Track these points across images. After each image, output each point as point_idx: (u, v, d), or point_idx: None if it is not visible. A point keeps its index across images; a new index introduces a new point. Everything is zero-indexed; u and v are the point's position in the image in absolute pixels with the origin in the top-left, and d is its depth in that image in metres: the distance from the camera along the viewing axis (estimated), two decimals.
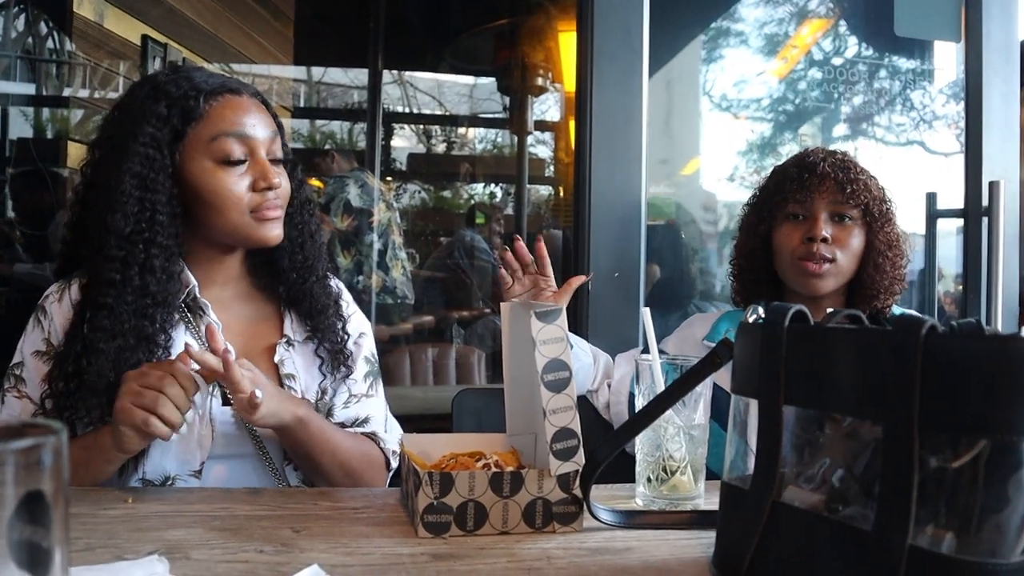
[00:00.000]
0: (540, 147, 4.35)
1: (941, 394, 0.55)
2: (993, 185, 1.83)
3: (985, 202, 1.85)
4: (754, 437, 0.68)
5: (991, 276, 1.82)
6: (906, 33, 2.11)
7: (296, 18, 4.13)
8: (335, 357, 1.15)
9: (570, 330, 1.00)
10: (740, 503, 0.68)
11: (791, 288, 1.37)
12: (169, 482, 1.02)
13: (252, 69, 4.00)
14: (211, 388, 1.04)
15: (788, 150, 2.42)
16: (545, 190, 4.35)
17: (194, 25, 3.52)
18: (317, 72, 4.59)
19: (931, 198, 2.02)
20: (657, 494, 0.94)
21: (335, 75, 4.56)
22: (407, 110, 4.59)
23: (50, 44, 3.27)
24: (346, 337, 1.18)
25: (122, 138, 1.03)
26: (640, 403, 0.99)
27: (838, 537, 0.60)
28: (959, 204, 1.96)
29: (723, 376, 0.79)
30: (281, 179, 1.08)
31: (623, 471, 1.00)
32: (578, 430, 0.82)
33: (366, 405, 1.18)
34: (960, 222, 1.98)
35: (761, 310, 0.70)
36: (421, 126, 4.76)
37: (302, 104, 4.67)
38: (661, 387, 0.95)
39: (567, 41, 3.28)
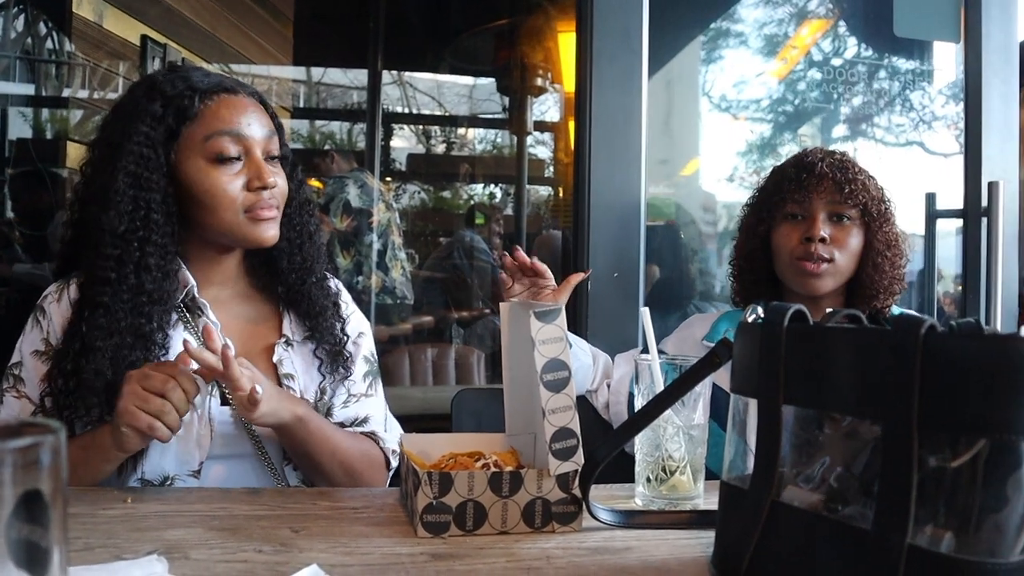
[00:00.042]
0: (539, 147, 4.35)
1: (940, 394, 0.55)
2: (992, 185, 1.83)
3: (984, 203, 1.85)
4: (753, 437, 0.68)
5: (990, 277, 1.82)
6: (905, 34, 2.11)
7: (295, 18, 4.13)
8: (334, 359, 1.15)
9: (569, 330, 1.00)
10: (739, 503, 0.68)
11: (790, 288, 1.37)
12: (168, 482, 1.02)
13: (251, 69, 4.00)
14: (210, 388, 1.04)
15: (788, 151, 2.41)
16: (544, 190, 4.35)
17: (193, 25, 3.52)
18: (317, 72, 4.59)
19: (930, 199, 2.02)
20: (656, 494, 0.94)
21: (335, 75, 4.56)
22: (407, 110, 4.60)
23: (49, 44, 3.27)
24: (345, 339, 1.18)
25: (117, 137, 1.03)
26: (639, 403, 0.99)
27: (837, 537, 0.60)
28: (958, 205, 1.96)
29: (722, 376, 0.79)
30: (278, 179, 1.08)
31: (622, 471, 1.00)
32: (577, 430, 0.82)
33: (365, 405, 1.18)
34: (959, 222, 1.98)
35: (760, 310, 0.70)
36: (421, 126, 4.76)
37: (301, 104, 4.67)
38: (660, 387, 0.95)
39: (566, 41, 3.28)
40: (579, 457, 0.82)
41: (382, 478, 1.16)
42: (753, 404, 0.68)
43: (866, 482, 0.60)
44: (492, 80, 4.18)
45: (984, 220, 1.85)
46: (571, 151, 2.09)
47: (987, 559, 0.53)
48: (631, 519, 0.85)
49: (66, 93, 3.22)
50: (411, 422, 1.29)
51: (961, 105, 2.01)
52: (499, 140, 4.73)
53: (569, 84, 3.11)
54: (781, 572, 0.64)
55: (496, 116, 4.50)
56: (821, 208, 1.32)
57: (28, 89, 3.22)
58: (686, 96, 2.61)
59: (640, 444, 0.96)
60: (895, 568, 0.55)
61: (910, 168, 2.44)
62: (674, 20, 2.31)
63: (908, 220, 2.01)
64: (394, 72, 4.33)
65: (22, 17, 3.23)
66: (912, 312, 0.95)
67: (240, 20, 3.85)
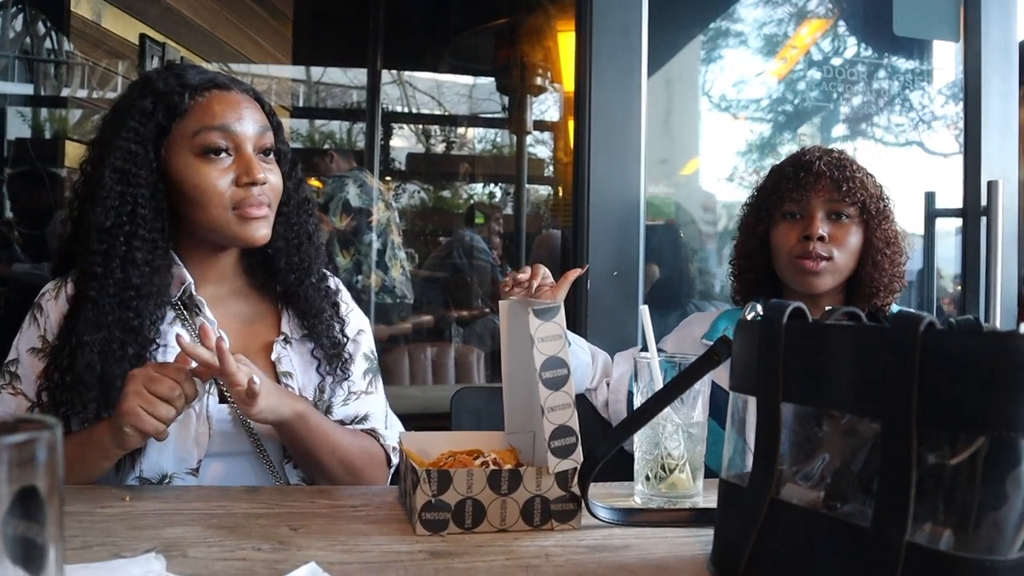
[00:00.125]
0: (539, 147, 4.35)
1: (939, 391, 0.55)
2: (992, 185, 1.83)
3: (984, 202, 1.85)
4: (752, 434, 0.68)
5: (990, 276, 1.82)
6: (905, 33, 2.11)
7: (295, 17, 4.13)
8: (332, 360, 1.14)
9: (569, 329, 1.00)
10: (738, 500, 0.68)
11: (790, 287, 1.37)
12: (166, 480, 1.02)
13: (251, 69, 4.00)
14: (208, 386, 1.03)
15: (787, 150, 2.41)
16: (544, 190, 4.35)
17: (192, 24, 3.52)
18: (316, 72, 4.59)
19: (930, 198, 2.02)
20: (655, 492, 0.94)
21: (334, 75, 4.56)
22: (406, 110, 4.59)
23: (48, 44, 3.27)
24: (344, 340, 1.17)
25: (108, 134, 1.03)
26: (638, 401, 0.99)
27: (836, 534, 0.60)
28: (958, 204, 1.97)
29: (722, 374, 0.79)
30: (269, 175, 1.06)
31: (621, 469, 1.00)
32: (576, 428, 0.82)
33: (365, 402, 1.18)
34: (959, 222, 1.98)
35: (759, 308, 0.70)
36: (420, 126, 4.76)
37: (301, 104, 4.66)
38: (660, 385, 0.95)
39: (566, 41, 3.28)
40: (578, 455, 0.82)
41: (383, 475, 1.15)
42: (752, 402, 0.68)
43: (865, 479, 0.60)
44: (492, 79, 4.18)
45: (983, 219, 1.85)
46: (571, 150, 2.09)
47: (986, 556, 0.53)
48: (630, 517, 0.85)
49: (65, 92, 3.22)
50: (411, 421, 1.28)
51: (961, 104, 2.01)
52: (499, 139, 4.73)
53: (569, 83, 3.11)
54: (780, 570, 0.64)
55: (496, 115, 4.50)
56: (819, 206, 1.32)
57: (27, 88, 3.21)
58: (686, 95, 2.61)
59: (639, 442, 0.96)
60: (894, 565, 0.55)
61: (910, 167, 2.44)
62: (674, 19, 2.31)
63: (908, 219, 2.01)
64: (393, 71, 4.33)
65: (20, 16, 3.22)
66: (911, 310, 0.95)
67: (239, 19, 3.85)
